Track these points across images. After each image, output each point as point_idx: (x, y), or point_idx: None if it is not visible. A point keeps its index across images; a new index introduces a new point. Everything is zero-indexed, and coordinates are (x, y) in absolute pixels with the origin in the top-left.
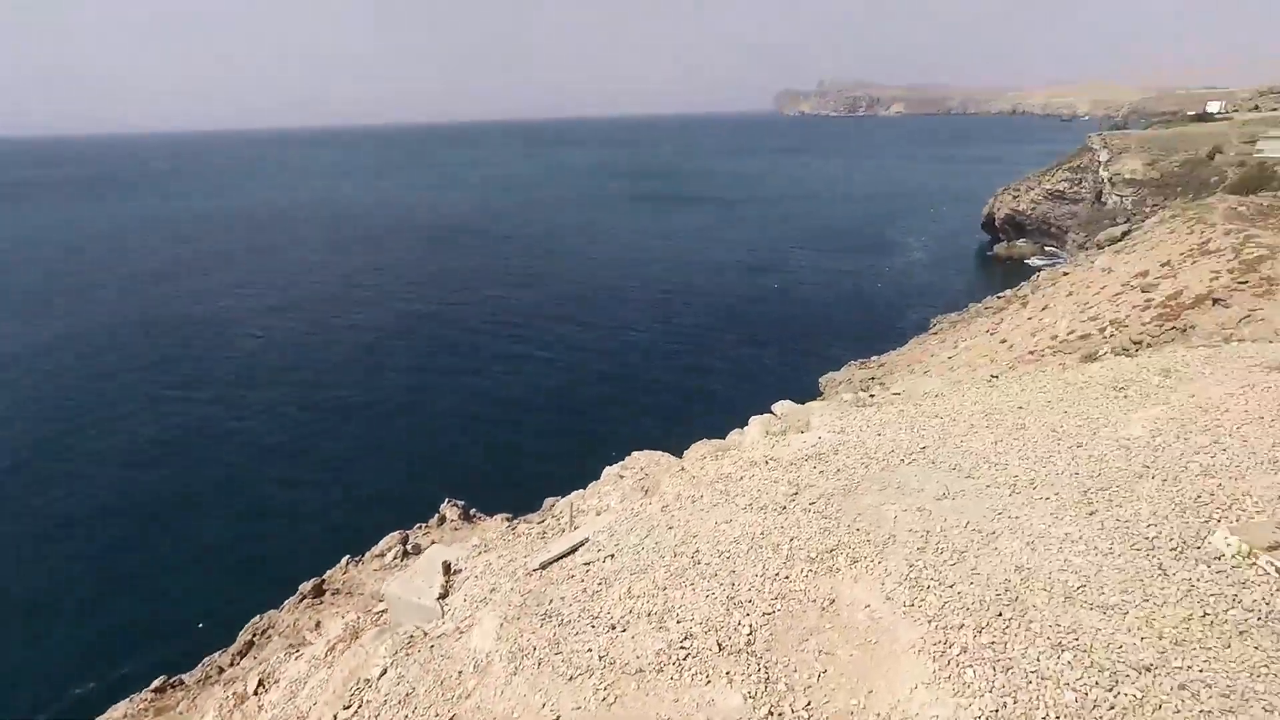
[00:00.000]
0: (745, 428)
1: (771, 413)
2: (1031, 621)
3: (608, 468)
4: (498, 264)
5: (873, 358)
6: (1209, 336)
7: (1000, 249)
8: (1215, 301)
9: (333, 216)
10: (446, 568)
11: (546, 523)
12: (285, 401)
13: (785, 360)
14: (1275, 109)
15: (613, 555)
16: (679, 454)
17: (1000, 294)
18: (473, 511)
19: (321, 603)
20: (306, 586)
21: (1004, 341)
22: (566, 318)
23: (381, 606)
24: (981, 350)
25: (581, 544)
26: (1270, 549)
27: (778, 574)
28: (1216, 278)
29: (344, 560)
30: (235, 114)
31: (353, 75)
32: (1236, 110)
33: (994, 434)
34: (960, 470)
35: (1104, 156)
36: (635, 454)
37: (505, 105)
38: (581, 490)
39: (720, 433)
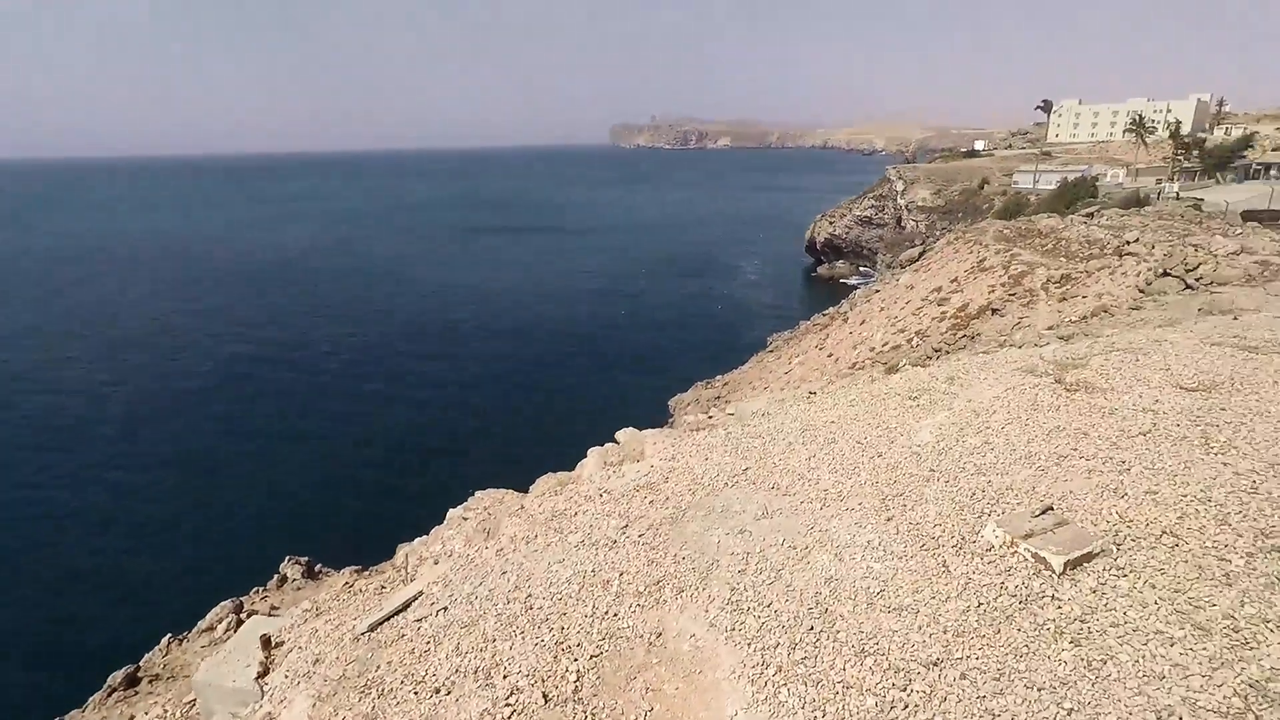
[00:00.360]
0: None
1: (615, 441)
2: (839, 632)
3: (451, 510)
4: (339, 299)
5: (717, 377)
6: (989, 343)
7: (822, 270)
8: (993, 311)
9: (151, 253)
10: (266, 641)
11: (387, 575)
12: (94, 462)
13: (636, 385)
14: (1023, 148)
15: (445, 608)
16: (529, 488)
17: (825, 311)
18: (319, 567)
19: (136, 694)
20: (117, 677)
21: (831, 355)
22: (413, 352)
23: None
24: (813, 364)
25: (415, 598)
26: (1026, 537)
27: (607, 612)
28: (993, 290)
29: (165, 640)
30: (29, 142)
31: (164, 103)
32: (996, 148)
33: (809, 449)
34: (779, 488)
35: (900, 186)
36: (479, 493)
37: (342, 137)
38: (424, 536)
39: (572, 463)
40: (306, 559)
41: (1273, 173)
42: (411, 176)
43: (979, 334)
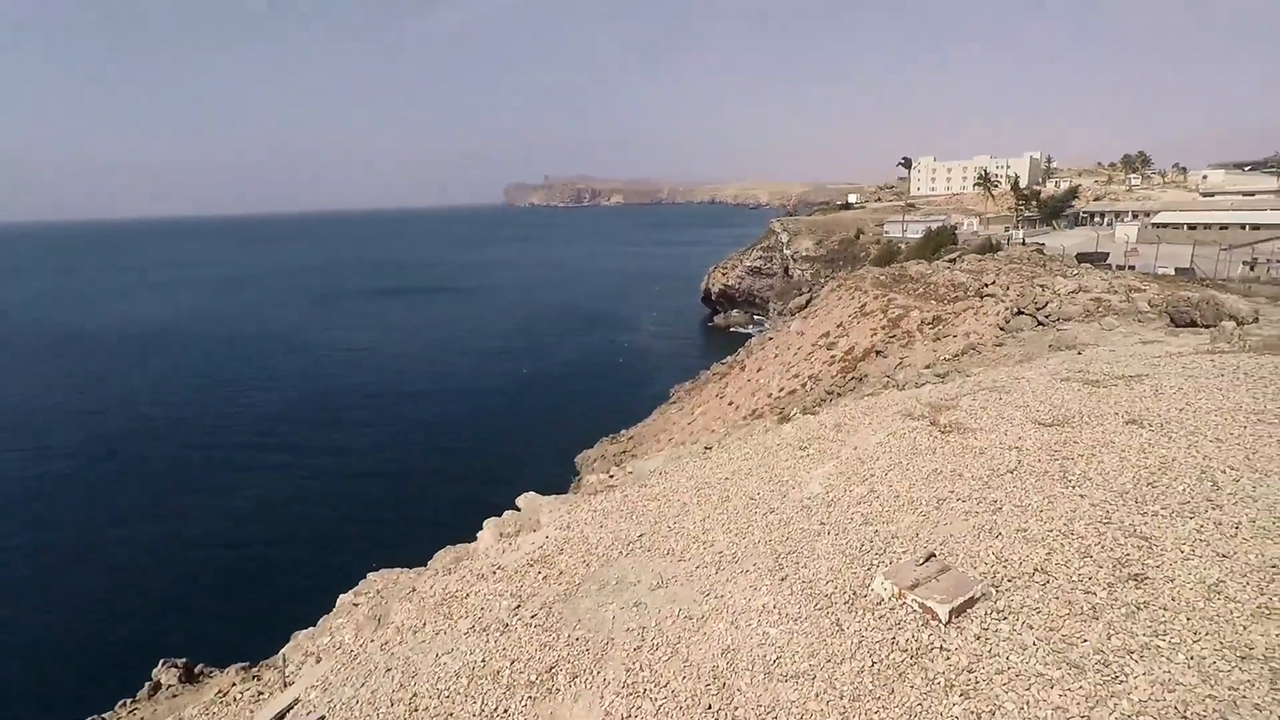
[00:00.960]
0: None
1: (517, 507)
2: (737, 708)
3: (342, 595)
4: (223, 368)
5: (623, 431)
6: (875, 383)
7: (719, 319)
8: (877, 353)
9: (15, 321)
10: None
11: (266, 679)
12: None
13: (542, 443)
14: (891, 201)
15: (323, 717)
16: (430, 560)
17: (724, 360)
18: (199, 668)
19: None
20: None
21: (731, 403)
22: (307, 419)
23: None
24: (715, 413)
25: (290, 708)
26: (913, 587)
27: (496, 708)
28: (875, 334)
29: None
30: None
31: (14, 167)
32: (868, 201)
33: (703, 510)
34: (673, 554)
35: (785, 238)
36: (371, 575)
37: (233, 200)
38: (312, 628)
39: (476, 529)
40: (184, 660)
41: (1096, 219)
42: (304, 239)
43: (866, 375)
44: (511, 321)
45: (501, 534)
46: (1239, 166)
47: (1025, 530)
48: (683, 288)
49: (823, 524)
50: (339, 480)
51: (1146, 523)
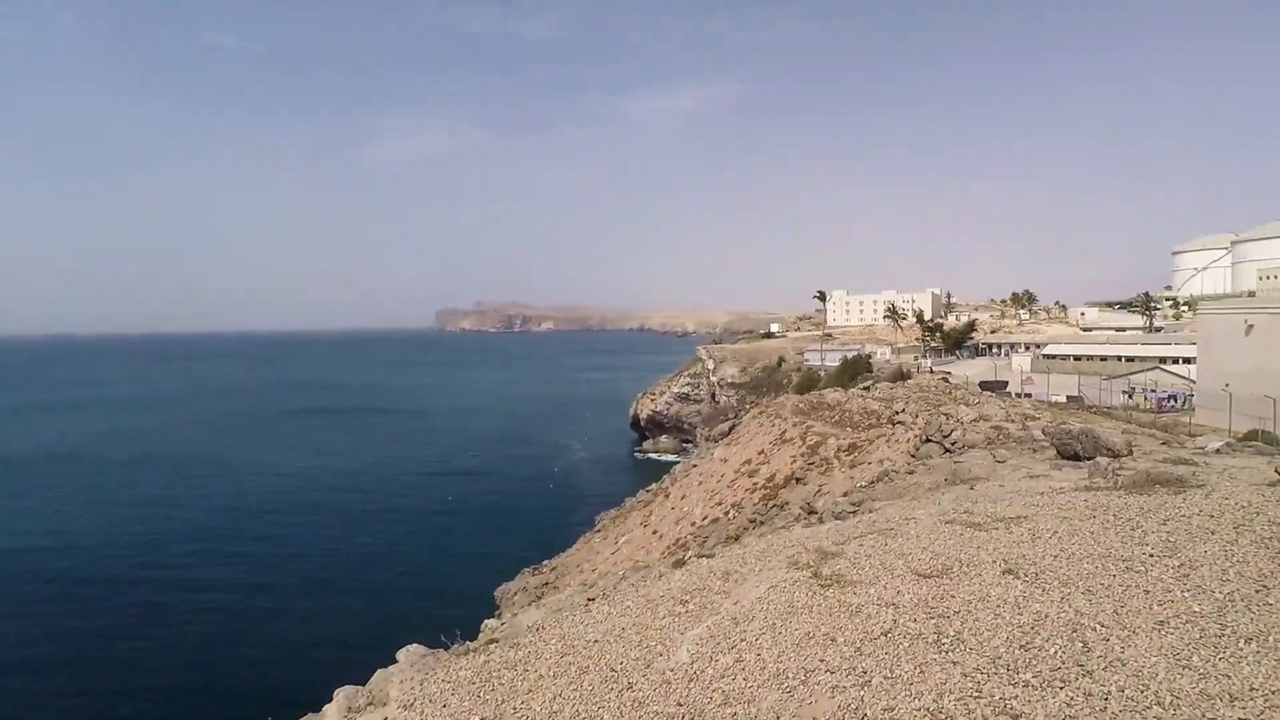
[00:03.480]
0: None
1: (396, 660)
2: None
3: None
4: (126, 492)
5: (545, 562)
6: (794, 509)
7: (648, 445)
8: (797, 480)
9: None
10: None
11: None
12: None
13: (461, 576)
14: (810, 330)
15: None
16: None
17: (649, 488)
18: None
19: None
20: None
21: (655, 532)
22: (212, 551)
23: None
24: (639, 543)
25: None
26: None
27: None
28: (795, 461)
29: None
30: None
31: None
32: (788, 330)
33: (557, 685)
34: None
35: (710, 365)
36: None
37: (151, 318)
38: None
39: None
40: None
41: (994, 350)
42: (228, 359)
43: (787, 502)
44: (441, 445)
45: (351, 707)
46: (1109, 305)
47: (893, 711)
48: (612, 413)
49: (679, 705)
50: (242, 617)
51: (1017, 695)
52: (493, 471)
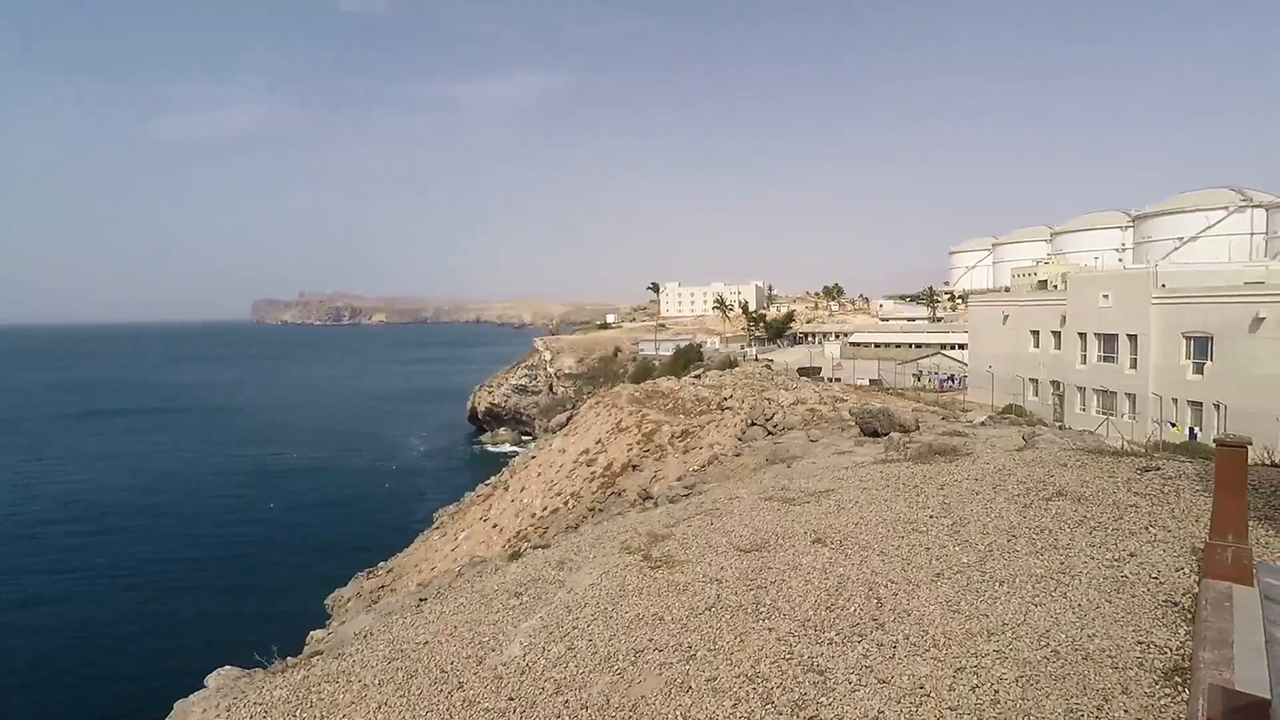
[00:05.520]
0: None
1: (204, 684)
2: None
3: None
4: None
5: (380, 564)
6: (630, 496)
7: (486, 438)
8: (634, 468)
9: None
10: None
11: None
12: None
13: (287, 589)
14: (645, 321)
15: None
16: None
17: (488, 481)
18: None
19: None
20: None
21: (495, 526)
22: None
23: None
24: (479, 538)
25: None
26: None
27: None
28: (631, 449)
29: None
30: None
31: None
32: (624, 321)
33: (383, 693)
34: None
35: (548, 356)
36: None
37: None
38: None
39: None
40: None
41: (810, 339)
42: (20, 356)
43: (624, 490)
44: (259, 449)
45: None
46: (903, 298)
47: (715, 680)
48: (448, 407)
49: (511, 700)
50: (14, 653)
51: (822, 652)
52: (323, 475)
